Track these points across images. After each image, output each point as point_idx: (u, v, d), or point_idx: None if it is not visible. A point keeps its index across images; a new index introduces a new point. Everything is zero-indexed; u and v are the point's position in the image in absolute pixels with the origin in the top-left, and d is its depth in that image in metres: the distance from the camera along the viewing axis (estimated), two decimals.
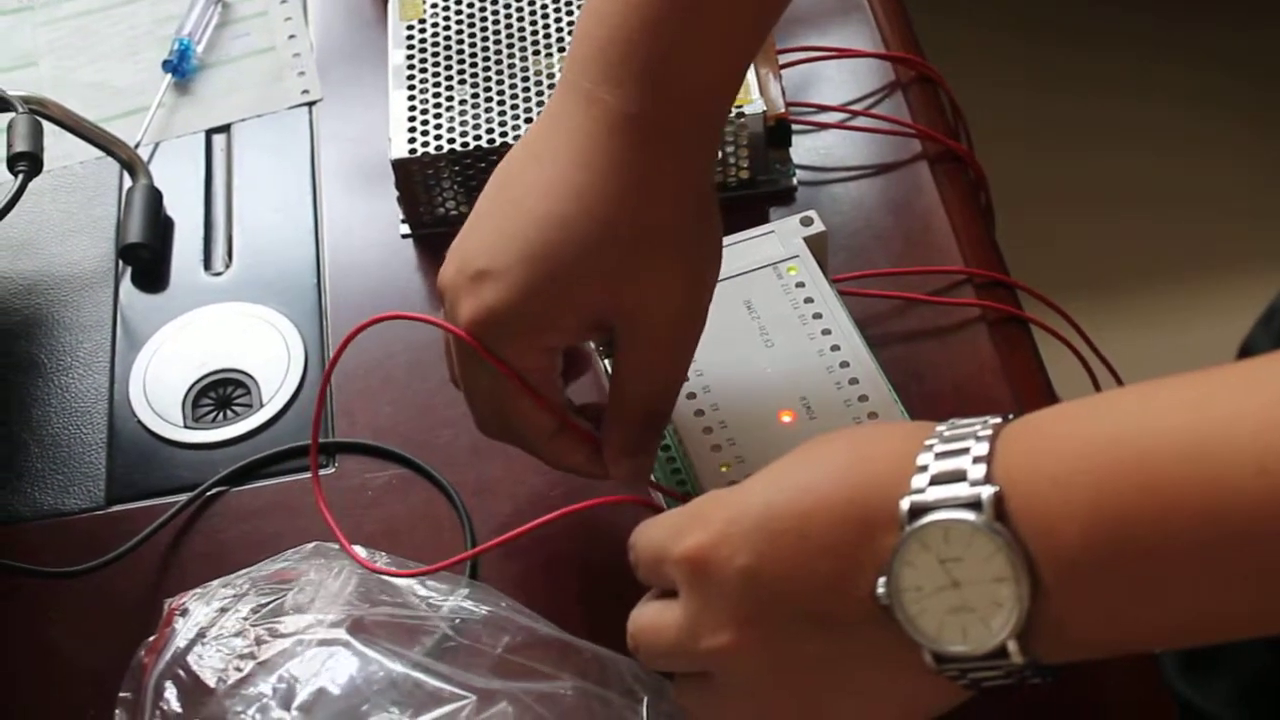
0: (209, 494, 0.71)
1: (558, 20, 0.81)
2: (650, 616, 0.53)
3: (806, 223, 0.71)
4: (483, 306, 0.57)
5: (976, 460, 0.45)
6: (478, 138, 0.77)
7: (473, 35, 0.81)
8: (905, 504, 0.46)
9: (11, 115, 0.76)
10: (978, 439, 0.46)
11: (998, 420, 0.47)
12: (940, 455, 0.46)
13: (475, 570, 0.67)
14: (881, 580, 0.46)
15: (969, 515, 0.45)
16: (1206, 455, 0.42)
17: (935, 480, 0.46)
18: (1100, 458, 0.44)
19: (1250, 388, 0.43)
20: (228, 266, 0.81)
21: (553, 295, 0.57)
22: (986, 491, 0.45)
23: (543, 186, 0.57)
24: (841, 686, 0.49)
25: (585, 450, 0.61)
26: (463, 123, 0.77)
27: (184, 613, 0.59)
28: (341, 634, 0.57)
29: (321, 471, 0.71)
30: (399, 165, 0.77)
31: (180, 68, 0.89)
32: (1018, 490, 0.45)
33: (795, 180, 0.80)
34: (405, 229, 0.80)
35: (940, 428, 0.48)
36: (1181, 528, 0.42)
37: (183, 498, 0.71)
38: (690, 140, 0.58)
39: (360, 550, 0.61)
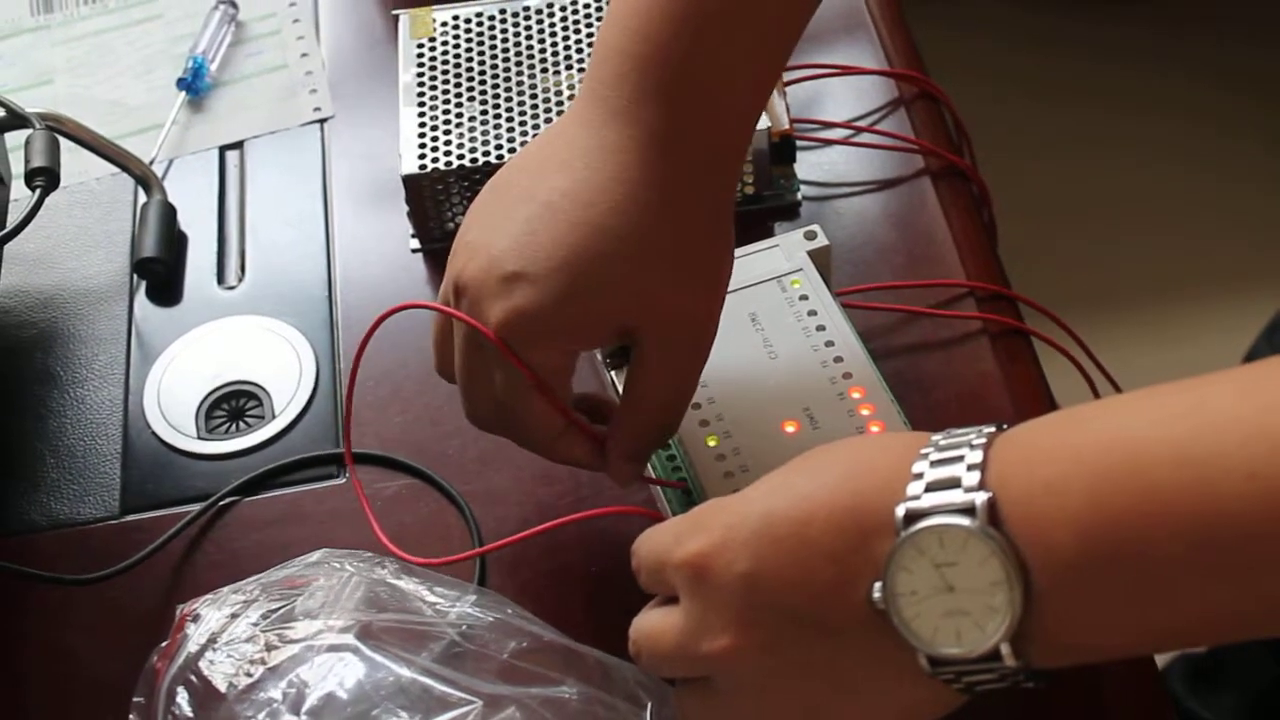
0: (222, 504, 0.72)
1: (565, 39, 0.82)
2: (652, 622, 0.54)
3: (810, 236, 0.72)
4: (515, 309, 0.57)
5: (971, 468, 0.46)
6: (487, 154, 0.78)
7: (482, 53, 0.82)
8: (901, 510, 0.47)
9: (29, 131, 0.77)
10: (972, 447, 0.47)
11: (992, 429, 0.48)
12: (935, 463, 0.47)
13: (484, 578, 0.68)
14: (877, 585, 0.47)
15: (963, 520, 0.46)
16: (1197, 461, 0.43)
17: (930, 487, 0.47)
18: (1093, 464, 0.44)
19: (1242, 394, 0.43)
20: (241, 280, 0.82)
21: (587, 303, 0.58)
22: (980, 497, 0.46)
23: (579, 195, 0.58)
24: (839, 690, 0.50)
25: (587, 447, 0.63)
26: (472, 139, 0.78)
27: (195, 619, 0.60)
28: (350, 639, 0.57)
29: (332, 481, 0.73)
30: (409, 181, 0.78)
31: (194, 85, 0.90)
32: (1011, 496, 0.46)
33: (800, 195, 0.81)
34: (415, 244, 0.81)
35: (936, 437, 0.49)
36: (1173, 532, 0.43)
37: (196, 507, 0.72)
38: (720, 159, 0.59)
39: (376, 554, 0.63)
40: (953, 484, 0.46)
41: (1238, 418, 0.43)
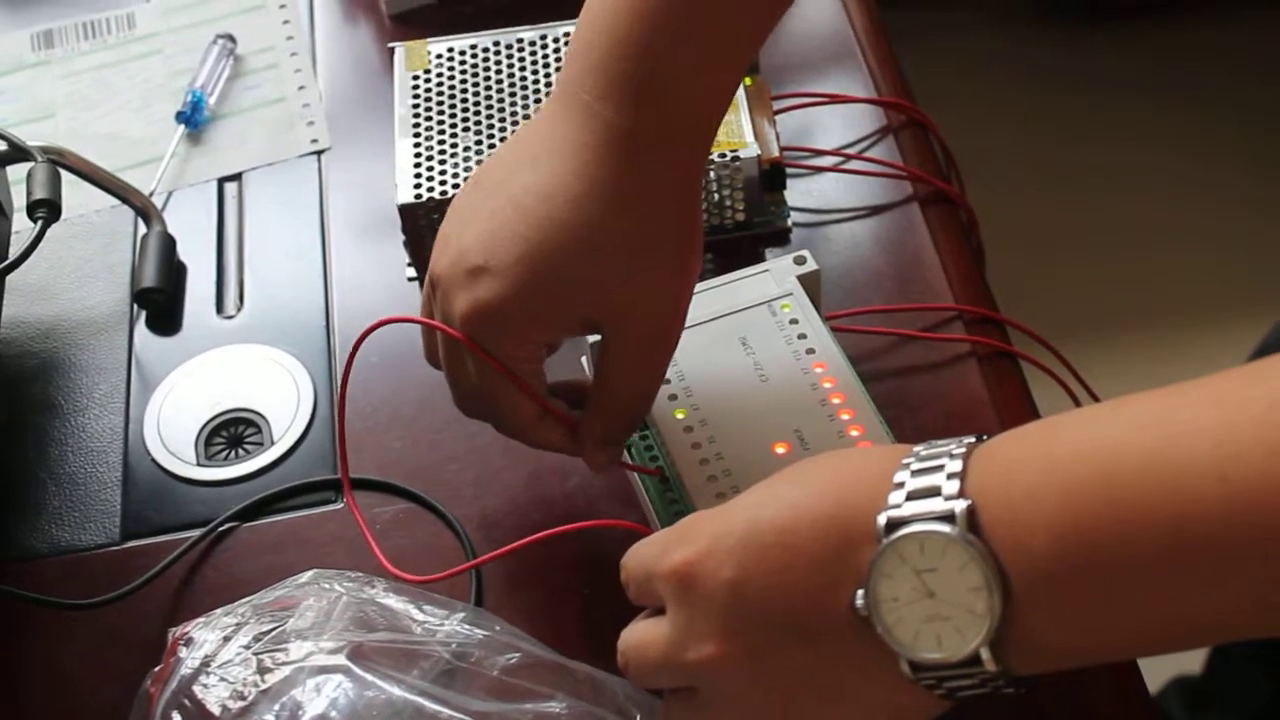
0: (221, 529, 0.73)
1: (558, 69, 0.83)
2: (639, 633, 0.55)
3: (800, 261, 0.72)
4: (478, 301, 0.60)
5: (950, 476, 0.47)
6: None
7: (475, 84, 0.83)
8: (882, 519, 0.48)
9: (31, 164, 0.78)
10: (952, 457, 0.48)
11: (972, 440, 0.49)
12: (916, 473, 0.48)
13: (480, 599, 0.69)
14: (860, 592, 0.48)
15: (943, 527, 0.46)
16: (1169, 465, 0.43)
17: (911, 496, 0.48)
18: (1068, 470, 0.45)
19: (1213, 401, 0.44)
20: (239, 310, 0.83)
21: (546, 295, 0.59)
22: (960, 505, 0.46)
23: (542, 191, 0.59)
24: (823, 697, 0.51)
25: (562, 433, 0.65)
26: (466, 169, 0.79)
27: (188, 642, 0.60)
28: (342, 660, 0.58)
29: (330, 506, 0.73)
30: (405, 210, 0.79)
31: (193, 118, 0.91)
32: (990, 503, 0.46)
33: (790, 222, 0.82)
34: (411, 272, 0.82)
35: (918, 448, 0.50)
36: (1145, 536, 0.43)
37: (195, 533, 0.72)
38: (682, 154, 0.61)
39: (366, 573, 0.63)
40: (933, 492, 0.47)
41: (1208, 423, 0.43)
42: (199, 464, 0.76)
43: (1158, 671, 1.20)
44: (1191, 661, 1.21)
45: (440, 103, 0.83)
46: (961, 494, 0.47)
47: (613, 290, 0.60)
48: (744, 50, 0.62)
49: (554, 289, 0.59)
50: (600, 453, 0.65)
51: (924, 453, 0.49)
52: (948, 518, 0.47)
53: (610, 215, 0.59)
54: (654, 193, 0.60)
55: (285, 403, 0.78)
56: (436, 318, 0.63)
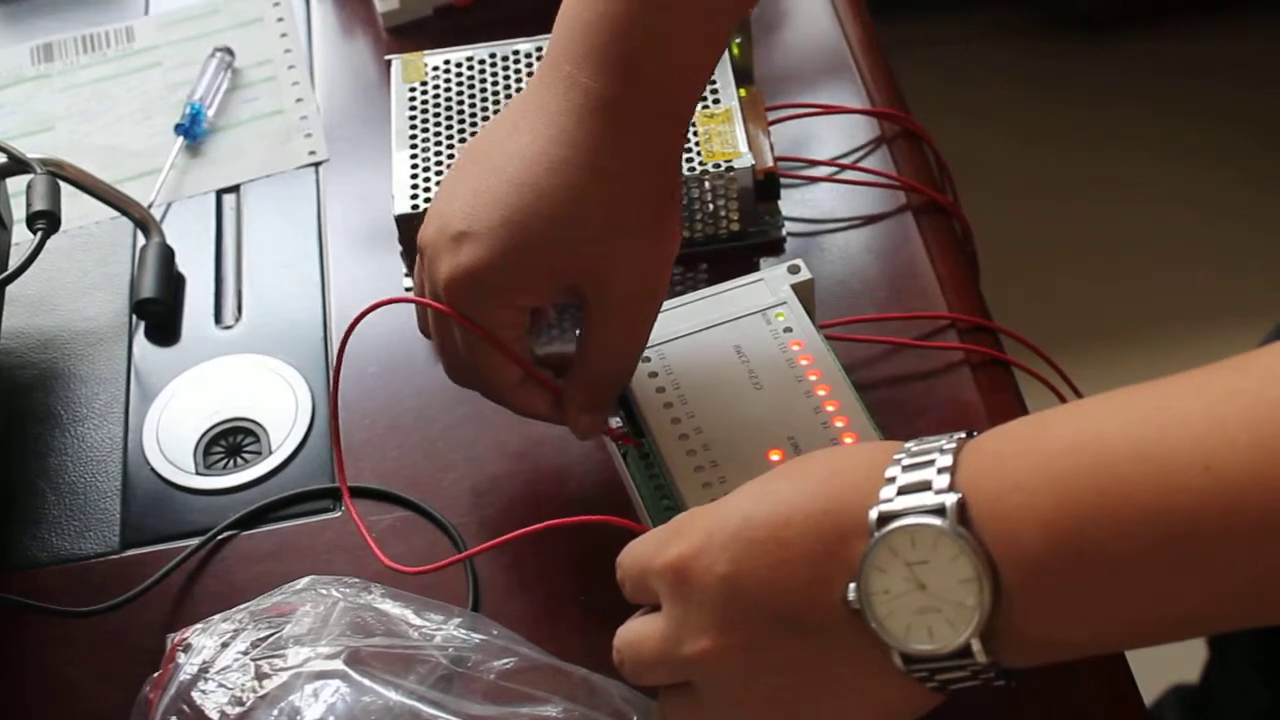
0: (220, 538, 0.73)
1: None
2: (635, 629, 0.55)
3: (794, 271, 0.73)
4: (461, 266, 0.61)
5: (941, 471, 0.48)
6: None
7: (472, 96, 0.84)
8: (874, 513, 0.48)
9: (31, 176, 0.78)
10: (942, 452, 0.49)
11: (962, 435, 0.50)
12: (907, 468, 0.49)
13: (476, 603, 0.69)
14: (852, 585, 0.49)
15: (934, 521, 0.47)
16: (1156, 456, 0.44)
17: (902, 490, 0.48)
18: (1059, 463, 0.46)
19: (1199, 392, 0.45)
20: (238, 320, 0.83)
21: (527, 258, 0.61)
22: (950, 499, 0.47)
23: (523, 157, 0.61)
24: (817, 690, 0.51)
25: (547, 399, 0.66)
26: None
27: (186, 648, 0.61)
28: (339, 665, 0.58)
29: (328, 515, 0.74)
30: (402, 221, 0.80)
31: (192, 131, 0.92)
32: (980, 496, 0.47)
33: (784, 232, 0.82)
34: (408, 282, 0.83)
35: (909, 444, 0.50)
36: (1134, 527, 0.44)
37: (194, 541, 0.73)
38: (661, 124, 0.62)
39: (363, 579, 0.64)
40: (924, 487, 0.48)
41: (1197, 414, 0.44)
42: (198, 473, 0.76)
43: (1155, 680, 1.20)
44: (1189, 670, 1.21)
45: (437, 114, 0.83)
46: (952, 488, 0.48)
47: (593, 254, 0.61)
48: (722, 24, 0.64)
49: (535, 252, 0.61)
50: (583, 418, 0.66)
51: (915, 448, 0.50)
52: (938, 511, 0.47)
53: (590, 180, 0.60)
54: (633, 160, 0.61)
55: (283, 412, 0.78)
56: (426, 286, 0.65)
